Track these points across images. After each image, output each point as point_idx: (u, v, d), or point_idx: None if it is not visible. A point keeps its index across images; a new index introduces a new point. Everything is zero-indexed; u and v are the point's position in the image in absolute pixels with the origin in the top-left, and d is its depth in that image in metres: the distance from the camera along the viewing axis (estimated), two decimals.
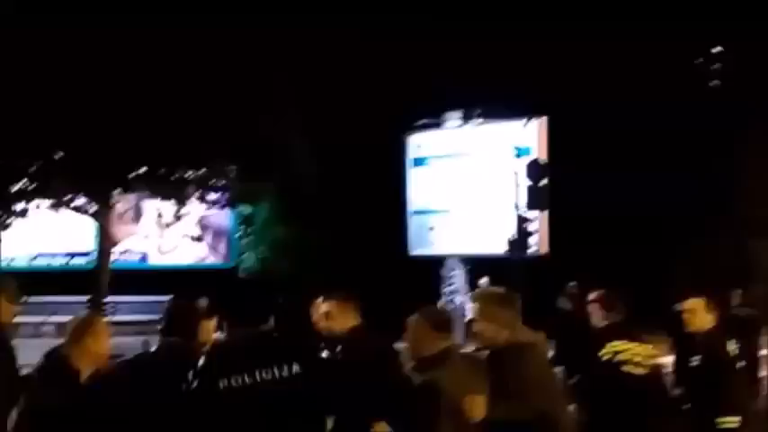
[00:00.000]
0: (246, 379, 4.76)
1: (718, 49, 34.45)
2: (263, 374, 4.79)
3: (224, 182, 25.09)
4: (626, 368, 7.10)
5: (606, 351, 7.20)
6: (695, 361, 7.75)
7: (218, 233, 33.89)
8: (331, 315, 6.66)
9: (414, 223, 28.59)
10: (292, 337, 6.01)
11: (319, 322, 6.57)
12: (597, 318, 7.81)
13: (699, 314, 8.04)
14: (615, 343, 7.19)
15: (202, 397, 4.91)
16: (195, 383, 4.97)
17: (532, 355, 5.43)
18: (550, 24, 28.91)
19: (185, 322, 5.65)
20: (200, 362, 5.07)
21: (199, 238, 32.34)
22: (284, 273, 30.37)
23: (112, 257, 26.34)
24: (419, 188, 28.39)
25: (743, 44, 30.10)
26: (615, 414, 7.03)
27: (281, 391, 4.80)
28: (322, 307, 6.59)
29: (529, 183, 23.86)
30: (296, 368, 4.88)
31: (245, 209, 31.48)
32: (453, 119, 27.78)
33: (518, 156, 24.59)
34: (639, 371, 7.08)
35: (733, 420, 7.30)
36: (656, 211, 28.49)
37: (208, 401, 4.85)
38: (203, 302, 6.37)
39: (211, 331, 6.60)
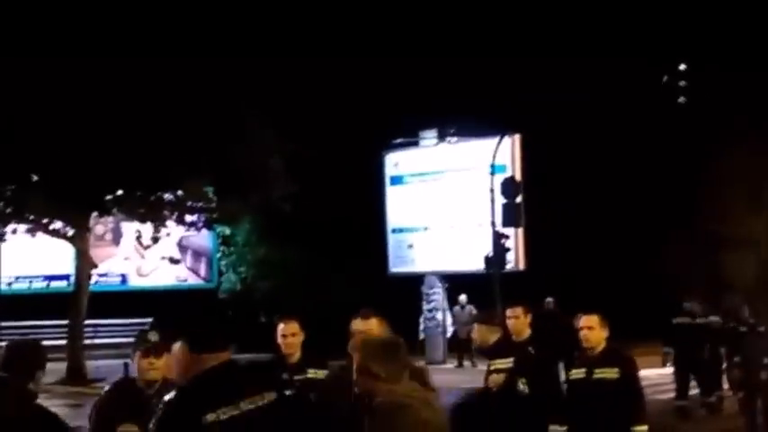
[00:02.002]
0: (233, 411, 4.32)
1: (684, 66, 34.60)
2: (248, 405, 4.38)
3: (201, 203, 24.73)
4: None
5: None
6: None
7: (198, 254, 33.48)
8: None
9: (393, 241, 28.33)
10: (270, 365, 5.73)
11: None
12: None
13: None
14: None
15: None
16: (169, 417, 4.48)
17: (405, 418, 4.74)
18: (524, 43, 28.89)
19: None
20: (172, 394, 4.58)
21: (177, 261, 31.86)
22: (265, 292, 30.07)
23: (92, 280, 25.90)
24: (397, 206, 28.12)
25: (709, 61, 30.21)
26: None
27: (265, 420, 4.41)
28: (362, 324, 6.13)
29: (504, 200, 23.71)
30: (273, 396, 4.49)
31: (225, 229, 31.15)
32: (429, 137, 27.57)
33: (493, 173, 24.38)
34: None
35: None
36: (629, 224, 28.47)
37: None
38: (153, 336, 5.61)
39: (161, 369, 5.66)
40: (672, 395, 16.55)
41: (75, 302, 24.46)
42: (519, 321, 8.16)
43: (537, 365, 7.96)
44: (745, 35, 27.07)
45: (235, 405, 4.32)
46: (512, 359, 7.94)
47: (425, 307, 26.85)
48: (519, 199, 23.90)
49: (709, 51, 29.10)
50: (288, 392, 4.96)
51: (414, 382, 4.79)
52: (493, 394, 7.82)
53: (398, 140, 27.92)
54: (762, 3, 26.71)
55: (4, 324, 26.79)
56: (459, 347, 25.06)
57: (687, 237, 26.43)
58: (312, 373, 6.85)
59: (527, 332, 8.20)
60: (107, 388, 5.90)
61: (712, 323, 16.25)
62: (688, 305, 16.66)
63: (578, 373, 7.74)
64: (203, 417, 4.27)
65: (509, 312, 8.27)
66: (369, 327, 5.91)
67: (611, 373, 7.58)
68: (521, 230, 24.91)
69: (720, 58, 28.08)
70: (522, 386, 7.80)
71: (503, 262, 23.60)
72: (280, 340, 6.97)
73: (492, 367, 8.07)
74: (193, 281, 33.58)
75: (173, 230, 27.19)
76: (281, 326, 7.02)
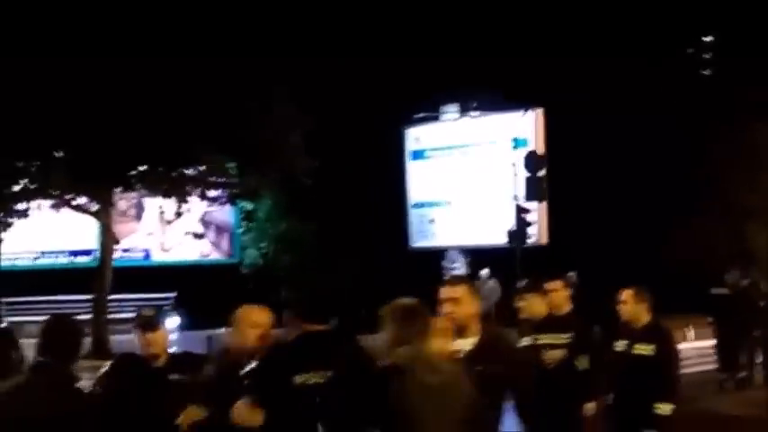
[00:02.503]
0: (314, 378, 4.65)
1: (710, 38, 34.26)
2: (328, 374, 4.69)
3: (224, 179, 24.74)
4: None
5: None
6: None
7: (220, 229, 33.52)
8: None
9: (414, 216, 28.28)
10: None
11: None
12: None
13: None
14: None
15: (275, 393, 4.68)
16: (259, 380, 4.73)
17: (402, 383, 4.60)
18: (546, 14, 28.64)
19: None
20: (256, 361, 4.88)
21: (200, 235, 31.95)
22: (287, 267, 30.09)
23: (115, 255, 25.99)
24: (419, 181, 28.06)
25: (734, 33, 29.88)
26: None
27: (338, 391, 4.68)
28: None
29: (527, 174, 23.58)
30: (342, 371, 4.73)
31: (247, 205, 31.16)
32: (451, 111, 27.45)
33: (516, 147, 24.28)
34: None
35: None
36: (652, 197, 28.27)
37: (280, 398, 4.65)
38: (148, 312, 5.74)
39: (162, 343, 5.73)
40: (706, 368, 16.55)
41: (99, 277, 24.58)
42: (559, 295, 7.97)
43: (599, 341, 7.95)
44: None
45: (323, 372, 4.64)
46: (568, 334, 7.70)
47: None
48: (542, 173, 23.75)
49: (735, 23, 28.79)
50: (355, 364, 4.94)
51: (427, 345, 4.72)
52: (550, 371, 7.46)
53: (420, 115, 27.82)
54: None
55: (29, 299, 27.02)
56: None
57: (714, 208, 26.25)
58: None
59: (568, 306, 8.03)
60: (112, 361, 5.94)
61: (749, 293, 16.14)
62: (729, 276, 16.54)
63: (621, 345, 7.72)
64: (292, 377, 4.62)
65: (549, 286, 8.02)
66: (456, 294, 5.72)
67: (647, 350, 7.56)
68: (543, 204, 24.80)
69: (747, 30, 27.77)
70: (581, 362, 7.62)
71: (525, 236, 23.50)
72: None
73: (540, 342, 7.72)
74: (216, 256, 33.64)
75: (195, 206, 27.23)
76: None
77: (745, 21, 27.88)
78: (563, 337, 7.71)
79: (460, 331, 5.62)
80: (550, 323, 7.82)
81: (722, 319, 16.16)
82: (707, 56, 34.10)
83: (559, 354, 7.63)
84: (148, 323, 5.73)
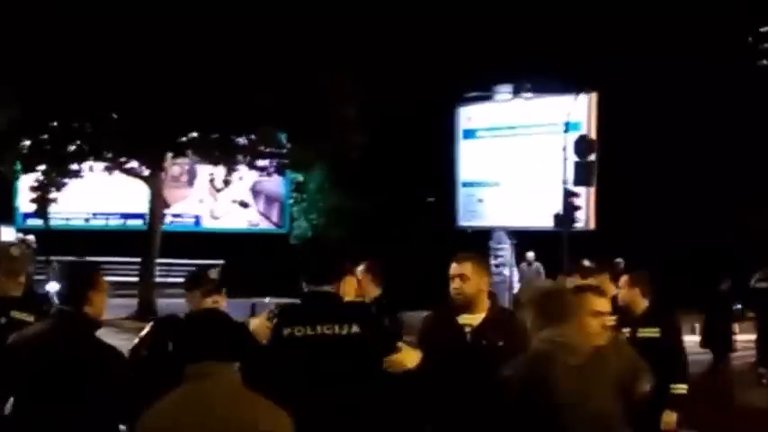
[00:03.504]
0: (308, 330, 5.01)
1: None
2: (324, 329, 5.01)
3: (274, 148, 24.83)
4: None
5: None
6: None
7: (270, 199, 33.67)
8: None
9: (463, 195, 28.18)
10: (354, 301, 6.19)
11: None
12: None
13: None
14: None
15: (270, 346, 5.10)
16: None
17: (539, 369, 4.56)
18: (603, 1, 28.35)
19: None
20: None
21: (246, 204, 32.04)
22: (336, 239, 30.20)
23: (166, 220, 26.25)
24: (469, 160, 27.90)
25: None
26: None
27: (339, 346, 5.00)
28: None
29: (576, 158, 23.40)
30: (355, 329, 5.03)
31: (298, 176, 31.27)
32: (503, 92, 27.26)
33: (567, 131, 24.01)
34: None
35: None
36: (702, 187, 27.98)
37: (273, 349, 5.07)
38: (214, 274, 5.62)
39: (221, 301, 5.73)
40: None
41: (148, 241, 24.85)
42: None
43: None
44: None
45: (311, 326, 5.00)
46: (658, 329, 7.69)
47: (492, 262, 26.63)
48: (592, 158, 23.53)
49: None
50: (374, 328, 5.18)
51: (568, 328, 4.68)
52: None
53: (472, 94, 27.64)
54: None
55: (80, 259, 27.41)
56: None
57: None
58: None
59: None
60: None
61: None
62: None
63: (624, 332, 7.51)
64: (282, 330, 5.04)
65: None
66: (463, 270, 5.85)
67: (653, 332, 7.58)
68: (592, 190, 24.59)
69: None
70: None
71: (572, 220, 23.34)
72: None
73: (641, 335, 7.62)
74: (265, 226, 33.80)
75: (245, 175, 27.38)
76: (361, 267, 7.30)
77: None
78: (654, 331, 7.72)
79: (468, 306, 5.82)
80: (648, 316, 7.85)
81: (764, 313, 16.00)
82: (766, 45, 33.58)
83: None
84: (215, 287, 5.60)
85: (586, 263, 8.94)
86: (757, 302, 16.26)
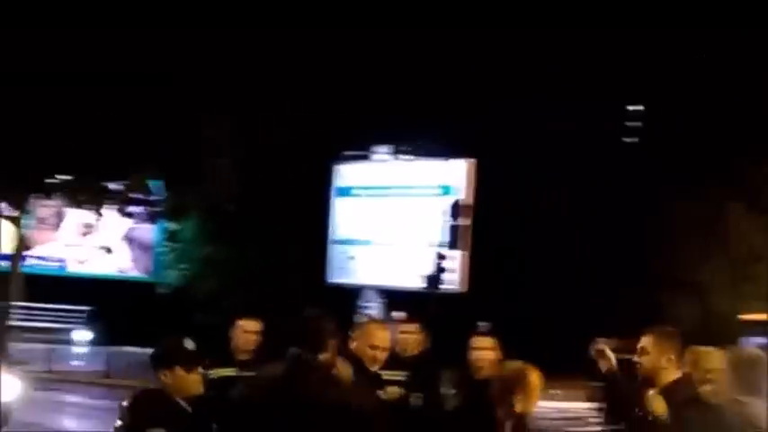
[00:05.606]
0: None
1: (637, 107, 34.86)
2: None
3: (145, 196, 24.38)
4: None
5: None
6: None
7: (142, 246, 32.89)
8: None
9: (335, 251, 28.11)
10: None
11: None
12: None
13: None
14: None
15: None
16: None
17: None
18: (487, 70, 28.86)
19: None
20: None
21: (110, 250, 31.23)
22: (206, 291, 29.61)
23: (29, 262, 25.36)
24: (343, 217, 27.87)
25: (660, 103, 30.45)
26: None
27: None
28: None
29: (451, 221, 23.63)
30: None
31: (172, 225, 30.63)
32: (382, 152, 27.44)
33: (443, 194, 24.28)
34: None
35: None
36: (574, 258, 28.54)
37: None
38: (189, 344, 4.84)
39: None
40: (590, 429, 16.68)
41: (7, 283, 24.00)
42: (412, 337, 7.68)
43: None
44: (699, 81, 27.30)
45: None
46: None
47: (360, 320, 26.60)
48: (466, 222, 23.81)
49: (666, 95, 29.32)
50: None
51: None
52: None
53: (350, 153, 27.77)
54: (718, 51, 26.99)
55: None
56: None
57: (635, 274, 26.50)
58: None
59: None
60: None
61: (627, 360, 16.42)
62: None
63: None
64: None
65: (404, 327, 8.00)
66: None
67: None
68: (465, 253, 24.83)
69: (676, 103, 28.30)
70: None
71: (439, 281, 23.49)
72: (243, 337, 7.03)
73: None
74: (134, 273, 33.02)
75: (117, 221, 26.77)
76: (243, 322, 7.11)
77: (673, 92, 28.41)
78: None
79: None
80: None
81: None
82: (636, 124, 34.66)
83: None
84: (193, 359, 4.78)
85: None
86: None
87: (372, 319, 8.31)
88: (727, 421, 4.49)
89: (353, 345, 5.87)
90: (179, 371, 4.70)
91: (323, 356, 5.09)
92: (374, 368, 5.84)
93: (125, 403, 4.71)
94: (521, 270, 28.12)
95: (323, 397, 4.89)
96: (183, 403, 4.68)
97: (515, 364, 5.08)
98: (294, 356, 5.08)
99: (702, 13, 27.30)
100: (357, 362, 5.74)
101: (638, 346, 5.33)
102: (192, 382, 4.73)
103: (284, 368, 5.07)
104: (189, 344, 4.69)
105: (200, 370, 4.79)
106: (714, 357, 5.10)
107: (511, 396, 4.88)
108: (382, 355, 5.86)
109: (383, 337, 5.93)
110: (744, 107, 26.04)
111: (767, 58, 25.35)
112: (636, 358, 5.47)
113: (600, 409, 16.65)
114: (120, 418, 4.70)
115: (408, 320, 7.96)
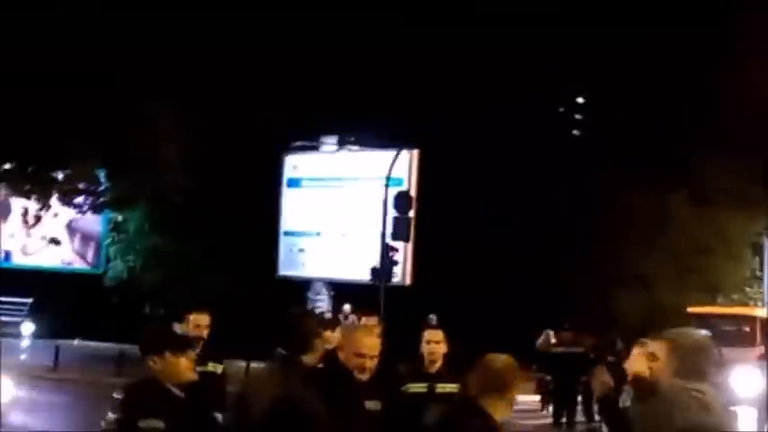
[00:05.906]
0: None
1: (581, 100, 35.27)
2: None
3: (91, 186, 24.09)
4: None
5: None
6: None
7: (87, 238, 32.47)
8: None
9: (284, 244, 28.06)
10: None
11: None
12: None
13: None
14: None
15: None
16: None
17: None
18: (432, 62, 28.97)
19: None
20: None
21: (58, 242, 30.81)
22: (152, 283, 29.35)
23: None
24: (292, 209, 27.84)
25: (602, 96, 30.83)
26: None
27: None
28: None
29: (396, 213, 23.67)
30: None
31: (117, 216, 30.29)
32: (329, 143, 27.46)
33: (388, 185, 24.31)
34: None
35: None
36: (518, 249, 28.74)
37: None
38: (179, 329, 4.80)
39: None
40: (540, 422, 16.96)
41: None
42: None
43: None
44: (641, 73, 27.66)
45: None
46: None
47: None
48: (411, 213, 23.89)
49: (607, 88, 29.65)
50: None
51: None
52: None
53: (299, 143, 27.71)
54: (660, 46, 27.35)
55: None
56: None
57: (580, 267, 26.77)
58: (212, 367, 7.04)
59: None
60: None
61: (575, 353, 16.87)
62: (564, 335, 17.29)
63: (420, 387, 7.12)
64: None
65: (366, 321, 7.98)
66: None
67: (451, 388, 7.09)
68: (409, 245, 24.91)
69: (619, 96, 28.63)
70: None
71: (389, 274, 23.53)
72: (194, 332, 6.87)
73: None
74: (79, 265, 32.60)
75: (61, 211, 26.43)
76: (193, 316, 7.08)
77: (616, 83, 28.74)
78: None
79: None
80: None
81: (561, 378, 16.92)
82: (578, 116, 35.02)
83: None
84: (183, 343, 4.73)
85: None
86: (555, 367, 17.20)
87: (359, 326, 8.08)
88: (679, 408, 4.58)
89: (340, 354, 5.50)
90: (169, 356, 4.61)
91: (308, 357, 5.15)
92: (363, 377, 5.42)
93: (117, 395, 4.59)
94: (464, 262, 28.25)
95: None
96: (175, 390, 4.58)
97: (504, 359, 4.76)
98: (281, 357, 5.15)
99: (642, 8, 27.76)
100: (344, 371, 5.41)
101: (648, 351, 5.23)
102: (182, 367, 4.62)
103: (271, 369, 5.15)
104: (177, 327, 4.76)
105: (192, 354, 4.68)
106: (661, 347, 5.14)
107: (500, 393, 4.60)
108: (371, 363, 5.46)
109: (371, 344, 5.53)
110: (687, 99, 26.44)
111: (708, 51, 25.76)
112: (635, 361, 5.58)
113: (544, 401, 16.92)
114: (111, 412, 4.56)
115: (367, 313, 8.06)
